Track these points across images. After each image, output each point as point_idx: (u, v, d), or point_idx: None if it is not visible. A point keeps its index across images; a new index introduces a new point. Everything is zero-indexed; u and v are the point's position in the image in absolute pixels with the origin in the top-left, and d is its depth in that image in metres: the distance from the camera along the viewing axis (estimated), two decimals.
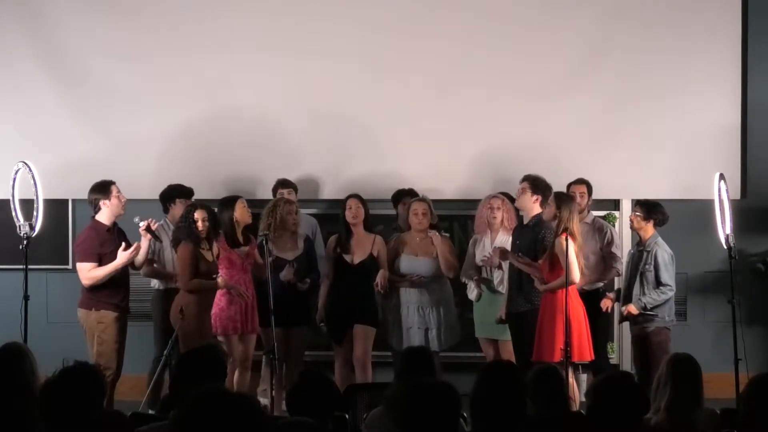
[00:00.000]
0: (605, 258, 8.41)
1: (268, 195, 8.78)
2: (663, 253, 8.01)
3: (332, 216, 8.90)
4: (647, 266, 8.00)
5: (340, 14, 9.25)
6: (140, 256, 7.84)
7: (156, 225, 7.89)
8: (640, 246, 8.13)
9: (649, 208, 8.13)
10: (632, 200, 9.13)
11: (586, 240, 8.23)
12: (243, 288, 7.94)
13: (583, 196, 8.48)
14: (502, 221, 8.21)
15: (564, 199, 7.73)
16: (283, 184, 8.78)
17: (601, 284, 8.43)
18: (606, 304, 8.31)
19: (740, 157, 9.26)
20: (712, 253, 8.59)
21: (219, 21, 9.25)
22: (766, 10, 9.32)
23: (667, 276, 7.99)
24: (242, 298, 7.89)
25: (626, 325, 9.06)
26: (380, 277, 8.21)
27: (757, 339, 9.10)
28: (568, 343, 7.32)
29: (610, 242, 8.40)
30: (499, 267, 8.08)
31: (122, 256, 7.65)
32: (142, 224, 7.77)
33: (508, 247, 8.01)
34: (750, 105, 9.29)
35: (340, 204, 8.53)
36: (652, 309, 7.96)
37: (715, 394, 5.63)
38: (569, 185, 8.54)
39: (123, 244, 7.72)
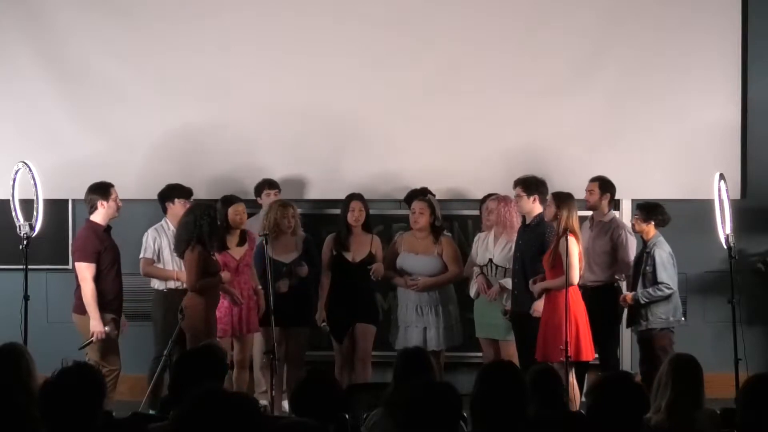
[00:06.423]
0: (616, 261, 8.29)
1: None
2: (661, 252, 8.01)
3: (331, 216, 8.90)
4: (647, 267, 8.02)
5: (341, 12, 9.24)
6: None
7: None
8: (646, 248, 8.11)
9: (648, 210, 8.12)
10: (632, 201, 9.13)
11: (595, 238, 8.21)
12: (237, 292, 7.92)
13: (592, 192, 8.39)
14: (497, 222, 8.20)
15: (563, 199, 7.69)
16: (270, 184, 8.77)
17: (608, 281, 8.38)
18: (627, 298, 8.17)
19: (740, 157, 9.25)
20: (712, 253, 8.58)
21: (218, 21, 9.23)
22: (766, 9, 9.30)
23: (665, 275, 7.98)
24: (236, 304, 7.87)
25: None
26: (375, 267, 8.21)
27: (757, 339, 9.09)
28: (568, 343, 7.33)
29: (617, 247, 8.25)
30: (497, 295, 8.09)
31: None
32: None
33: (510, 248, 8.02)
34: (750, 105, 9.28)
35: (340, 203, 8.53)
36: (646, 305, 7.96)
37: (715, 394, 5.62)
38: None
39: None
